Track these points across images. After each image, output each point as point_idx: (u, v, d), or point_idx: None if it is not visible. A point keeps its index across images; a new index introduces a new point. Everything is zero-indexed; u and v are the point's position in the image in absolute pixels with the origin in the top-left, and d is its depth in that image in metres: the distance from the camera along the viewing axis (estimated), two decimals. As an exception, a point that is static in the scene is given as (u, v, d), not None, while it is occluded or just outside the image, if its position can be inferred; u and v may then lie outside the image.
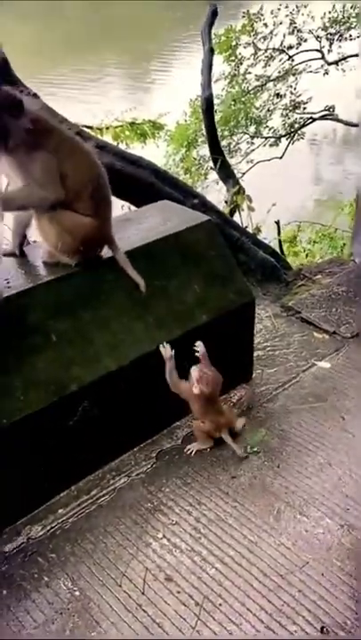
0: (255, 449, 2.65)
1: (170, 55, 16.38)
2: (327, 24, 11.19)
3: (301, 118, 11.45)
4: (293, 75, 11.39)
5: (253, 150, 11.09)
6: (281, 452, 2.64)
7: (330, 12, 11.21)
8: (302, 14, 11.15)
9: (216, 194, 7.54)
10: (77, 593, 2.13)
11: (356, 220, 4.63)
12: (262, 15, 11.03)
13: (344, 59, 11.21)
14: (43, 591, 2.15)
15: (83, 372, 2.40)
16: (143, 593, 2.11)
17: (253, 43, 11.17)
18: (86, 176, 2.44)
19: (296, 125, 11.39)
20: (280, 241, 6.19)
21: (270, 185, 8.95)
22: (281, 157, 10.80)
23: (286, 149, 11.04)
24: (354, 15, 11.03)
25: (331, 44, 11.30)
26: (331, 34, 11.25)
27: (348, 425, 2.78)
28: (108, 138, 7.35)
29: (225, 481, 2.52)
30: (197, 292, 2.76)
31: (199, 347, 2.57)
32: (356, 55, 10.63)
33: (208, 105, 7.13)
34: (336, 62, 11.31)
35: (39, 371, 2.33)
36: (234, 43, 11.00)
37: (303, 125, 11.43)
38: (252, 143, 11.24)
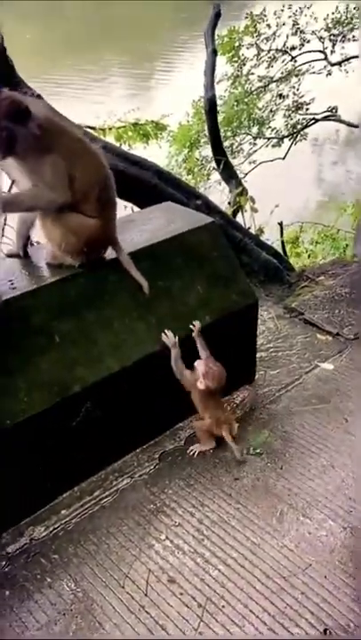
0: (258, 450, 2.65)
1: (173, 56, 16.37)
2: (330, 25, 11.21)
3: (304, 119, 11.47)
4: (296, 76, 11.42)
5: (256, 151, 11.11)
6: (284, 454, 2.64)
7: (333, 13, 11.23)
8: (305, 15, 11.16)
9: (219, 194, 7.53)
10: (80, 594, 2.13)
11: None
12: (265, 16, 11.05)
13: (347, 59, 11.23)
14: (45, 592, 2.15)
15: (86, 373, 2.41)
16: (146, 594, 2.11)
17: (256, 44, 11.19)
18: (94, 178, 2.44)
19: (299, 126, 11.41)
20: (283, 242, 6.18)
21: (273, 186, 8.93)
22: (283, 158, 10.81)
23: (289, 150, 11.06)
24: (357, 16, 11.04)
25: (334, 45, 11.32)
26: (334, 35, 11.27)
27: (352, 427, 2.77)
28: (110, 138, 7.37)
29: (228, 482, 2.52)
30: (200, 293, 2.76)
31: (195, 325, 2.58)
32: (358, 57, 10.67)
33: (211, 106, 7.15)
34: (339, 63, 11.33)
35: (43, 371, 2.33)
36: (237, 44, 11.02)
37: (306, 126, 11.45)
38: (255, 144, 11.25)
